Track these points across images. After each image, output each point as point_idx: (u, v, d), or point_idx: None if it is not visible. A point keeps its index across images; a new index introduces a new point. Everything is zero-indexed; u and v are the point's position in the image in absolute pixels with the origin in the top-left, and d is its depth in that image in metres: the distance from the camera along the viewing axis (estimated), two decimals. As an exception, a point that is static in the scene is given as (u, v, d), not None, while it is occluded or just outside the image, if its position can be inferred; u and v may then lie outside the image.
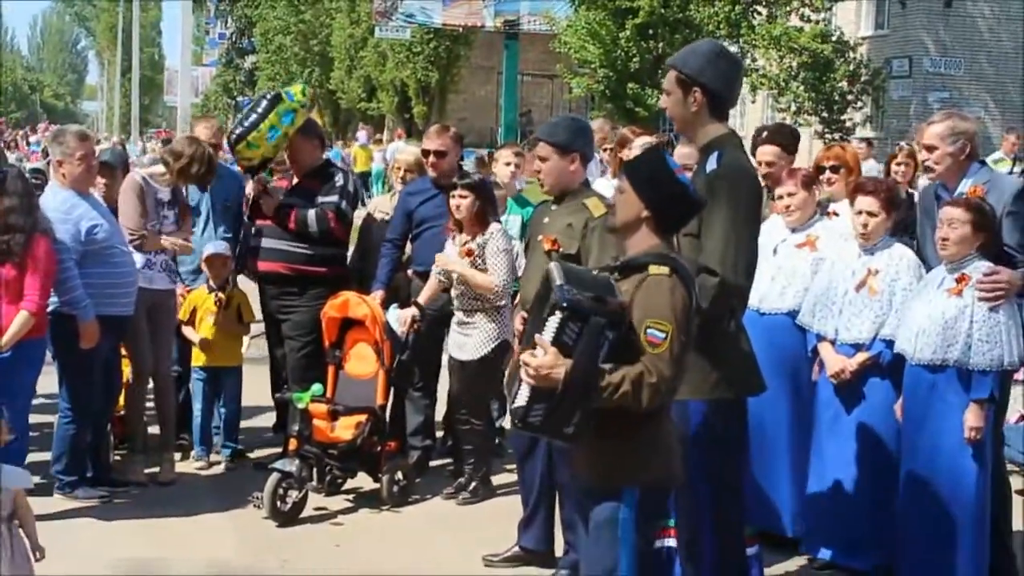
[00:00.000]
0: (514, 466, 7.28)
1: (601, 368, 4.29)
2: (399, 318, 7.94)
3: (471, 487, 7.90)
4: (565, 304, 4.34)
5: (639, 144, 8.30)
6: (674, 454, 4.53)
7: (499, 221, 7.96)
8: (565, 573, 6.41)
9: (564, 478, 6.24)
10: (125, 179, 8.07)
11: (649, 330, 4.30)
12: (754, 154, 7.48)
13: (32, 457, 8.06)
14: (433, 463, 8.54)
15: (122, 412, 8.43)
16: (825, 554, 6.69)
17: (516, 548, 6.81)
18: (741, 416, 5.36)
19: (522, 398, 4.39)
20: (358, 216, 8.92)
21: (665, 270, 4.40)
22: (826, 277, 6.67)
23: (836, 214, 7.09)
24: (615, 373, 4.28)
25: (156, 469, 8.25)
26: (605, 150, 9.98)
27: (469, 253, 7.59)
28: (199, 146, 8.31)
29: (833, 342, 6.58)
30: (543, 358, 4.33)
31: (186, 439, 8.85)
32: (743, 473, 5.69)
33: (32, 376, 7.38)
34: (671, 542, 5.66)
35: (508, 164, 9.07)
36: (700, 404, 5.06)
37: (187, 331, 8.61)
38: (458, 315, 7.77)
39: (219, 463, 8.61)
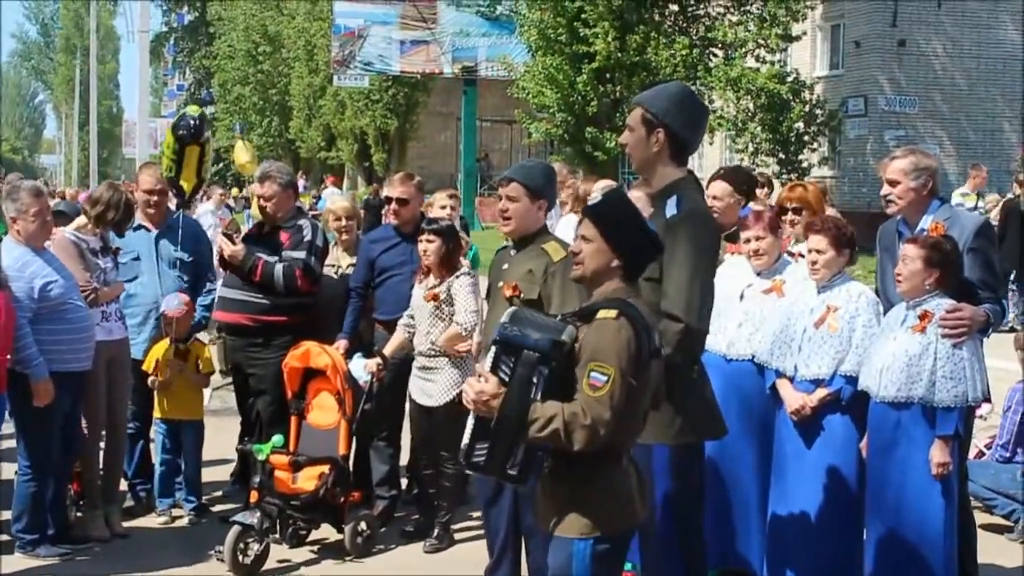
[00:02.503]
0: (480, 512, 7.23)
1: (534, 402, 4.26)
2: (364, 367, 7.90)
3: (436, 534, 7.84)
4: (498, 337, 4.37)
5: (598, 188, 8.31)
6: (631, 500, 4.47)
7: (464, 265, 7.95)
8: (532, 619, 6.36)
9: (528, 523, 6.20)
10: (57, 240, 7.97)
11: (592, 373, 4.26)
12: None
13: (-9, 515, 7.97)
14: (398, 513, 8.46)
15: (79, 468, 8.32)
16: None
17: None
18: (700, 459, 5.36)
19: (466, 436, 4.40)
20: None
21: (612, 313, 4.35)
22: (785, 315, 6.66)
23: (801, 255, 7.07)
24: (546, 406, 4.25)
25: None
26: (564, 194, 9.99)
27: (435, 297, 7.58)
28: (115, 192, 8.34)
29: (792, 379, 6.56)
30: (483, 384, 4.34)
31: (147, 492, 8.75)
32: (703, 513, 5.67)
33: None
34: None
35: (444, 207, 9.05)
36: (664, 449, 5.04)
37: (151, 381, 8.51)
38: (420, 360, 7.74)
39: (182, 517, 8.51)
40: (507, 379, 4.32)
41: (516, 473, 4.40)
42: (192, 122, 9.03)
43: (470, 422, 4.42)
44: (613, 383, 4.24)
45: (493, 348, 4.42)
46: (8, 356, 7.27)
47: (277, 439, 7.72)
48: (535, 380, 4.28)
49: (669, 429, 5.06)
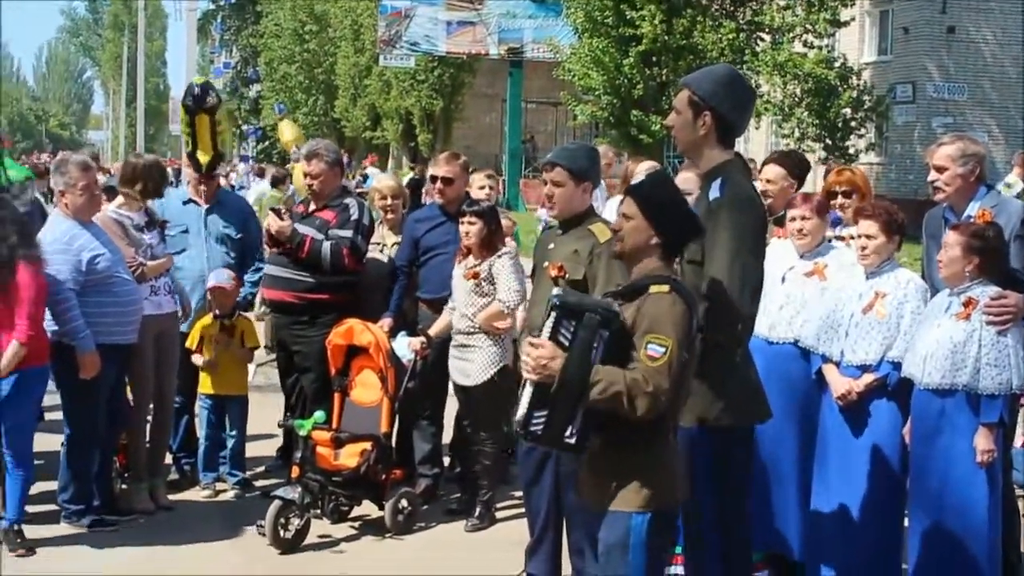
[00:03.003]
0: (521, 492, 7.26)
1: (596, 365, 4.29)
2: (408, 345, 7.96)
3: (478, 513, 7.88)
4: (558, 302, 4.38)
5: (643, 169, 8.30)
6: (680, 477, 4.52)
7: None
8: (572, 600, 6.39)
9: (571, 503, 6.22)
10: (99, 220, 8.04)
11: (649, 345, 4.30)
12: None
13: (40, 485, 8.06)
14: (440, 491, 8.51)
15: (124, 441, 8.40)
16: (828, 576, 6.67)
17: (524, 574, 6.78)
18: (746, 443, 5.34)
19: (523, 405, 4.42)
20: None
21: (665, 288, 4.40)
22: (832, 300, 6.64)
23: (852, 237, 7.02)
24: (609, 370, 4.28)
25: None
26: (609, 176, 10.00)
27: (475, 276, 7.62)
28: (140, 161, 8.47)
29: (838, 364, 6.55)
30: (541, 351, 4.36)
31: (191, 466, 8.84)
32: (749, 499, 5.65)
33: (33, 405, 7.36)
34: (679, 570, 5.65)
35: (482, 188, 9.09)
36: (707, 431, 5.03)
37: (195, 358, 8.60)
38: (458, 338, 7.78)
39: (225, 491, 8.59)
40: (567, 344, 4.35)
41: (574, 441, 4.42)
42: (196, 90, 9.09)
43: (527, 392, 4.44)
44: (671, 354, 4.29)
45: (552, 314, 4.43)
46: (43, 328, 7.33)
47: (319, 415, 7.77)
48: (596, 344, 4.31)
49: (710, 411, 5.05)
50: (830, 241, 7.10)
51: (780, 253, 6.94)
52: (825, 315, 6.63)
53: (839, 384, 6.48)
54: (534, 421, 4.45)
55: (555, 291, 4.54)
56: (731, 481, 5.19)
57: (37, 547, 7.30)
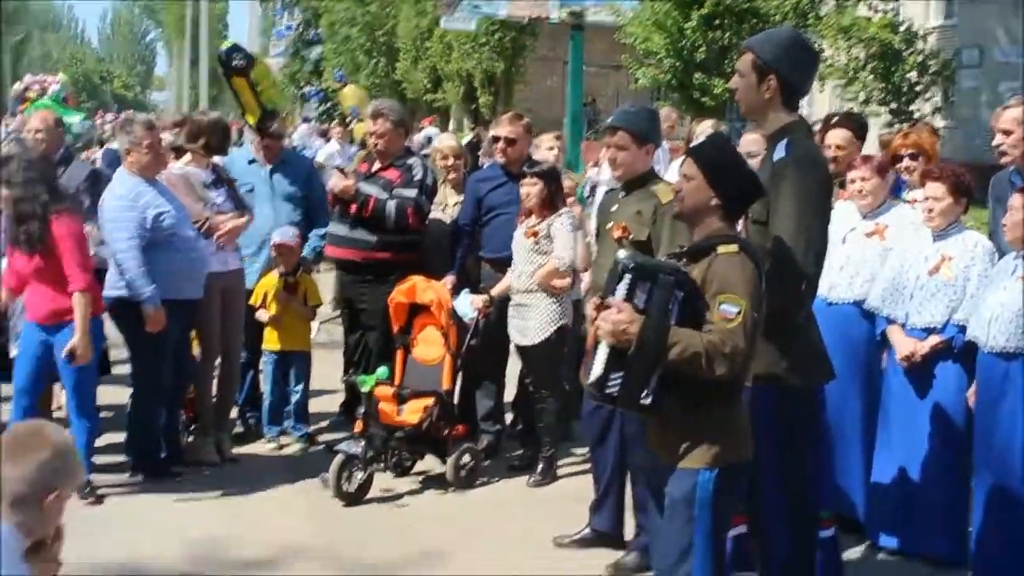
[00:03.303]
0: (584, 449, 7.31)
1: (673, 326, 4.32)
2: (470, 303, 8.03)
3: (540, 469, 7.95)
4: (632, 265, 4.41)
5: (702, 129, 8.32)
6: (749, 433, 4.55)
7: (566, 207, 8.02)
8: (635, 555, 6.43)
9: (636, 461, 6.27)
10: (168, 177, 8.14)
11: (722, 305, 4.32)
12: (823, 140, 7.46)
13: (108, 437, 8.21)
14: (503, 448, 8.58)
15: (191, 395, 8.53)
16: (890, 541, 6.67)
17: (587, 530, 6.84)
18: (811, 404, 5.34)
19: (598, 366, 4.44)
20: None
21: (734, 248, 4.42)
22: (898, 262, 6.63)
23: (917, 200, 7.00)
24: (686, 332, 4.30)
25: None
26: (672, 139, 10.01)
27: (534, 235, 7.68)
28: (203, 118, 8.62)
29: (903, 327, 6.54)
30: (620, 315, 4.37)
31: (256, 421, 8.97)
32: (816, 460, 5.66)
33: (94, 357, 7.48)
34: (742, 529, 5.67)
35: (550, 149, 9.09)
36: (770, 391, 5.04)
37: (259, 314, 8.70)
38: (516, 297, 7.84)
39: (289, 445, 8.71)
40: (642, 305, 4.38)
41: (649, 403, 4.45)
42: (222, 56, 9.19)
43: (602, 353, 4.46)
44: (745, 314, 4.31)
45: (627, 276, 4.45)
46: (94, 278, 7.45)
47: (382, 371, 7.86)
48: (671, 306, 4.34)
49: (773, 371, 5.05)
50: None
51: (842, 214, 6.93)
52: (890, 277, 6.61)
53: (904, 346, 6.48)
54: (610, 383, 4.47)
55: (622, 253, 4.55)
56: (794, 441, 5.19)
57: (105, 497, 7.44)
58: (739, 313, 4.30)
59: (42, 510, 3.27)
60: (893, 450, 6.63)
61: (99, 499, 7.43)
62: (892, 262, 6.66)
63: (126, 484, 7.78)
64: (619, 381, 4.42)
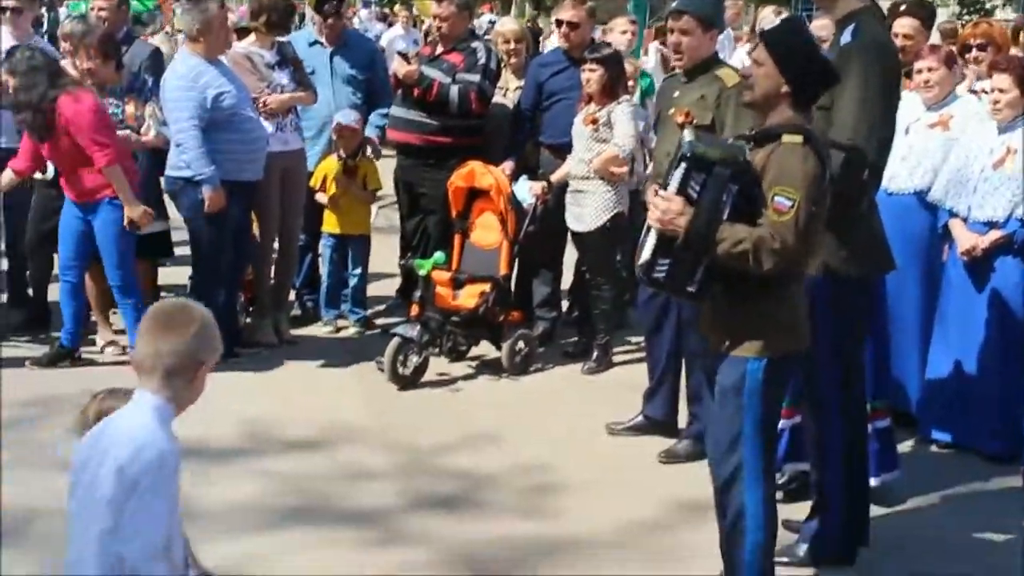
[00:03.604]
0: (639, 337, 7.29)
1: (723, 221, 4.26)
2: (529, 189, 7.98)
3: (595, 356, 7.95)
4: (689, 154, 4.34)
5: (764, 15, 8.16)
6: (803, 324, 4.49)
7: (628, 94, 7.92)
8: (688, 443, 6.44)
9: (691, 347, 6.25)
10: (231, 57, 8.12)
11: (777, 197, 4.24)
12: (890, 27, 7.29)
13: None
14: (559, 336, 8.59)
15: (250, 276, 8.58)
16: (944, 435, 6.63)
17: (640, 417, 6.85)
18: (868, 294, 5.29)
19: (647, 251, 4.41)
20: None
21: (798, 139, 4.32)
22: (962, 154, 6.50)
23: (985, 92, 6.84)
24: (736, 228, 4.24)
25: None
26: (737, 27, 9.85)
27: (594, 122, 7.60)
28: None
29: (965, 220, 6.43)
30: (669, 204, 4.33)
31: (314, 303, 9.02)
32: (872, 351, 5.62)
33: (130, 236, 7.57)
34: (797, 420, 5.66)
35: (624, 32, 8.93)
36: (827, 281, 4.98)
37: (318, 196, 8.70)
38: (573, 184, 7.79)
39: (347, 328, 8.76)
40: (695, 196, 4.32)
41: (695, 291, 4.42)
42: None
43: (651, 238, 4.42)
44: (799, 208, 4.22)
45: (682, 165, 4.39)
46: (122, 150, 7.54)
47: (439, 256, 7.86)
48: (724, 198, 4.28)
49: (833, 260, 4.99)
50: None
51: (906, 105, 6.78)
52: (954, 169, 6.50)
53: (965, 239, 6.38)
54: (657, 268, 4.44)
55: (687, 135, 4.47)
56: (851, 332, 5.15)
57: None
58: (793, 207, 4.22)
59: (192, 383, 3.42)
60: (950, 343, 6.56)
61: None
62: (956, 154, 6.53)
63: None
64: (666, 268, 4.39)
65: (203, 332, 3.43)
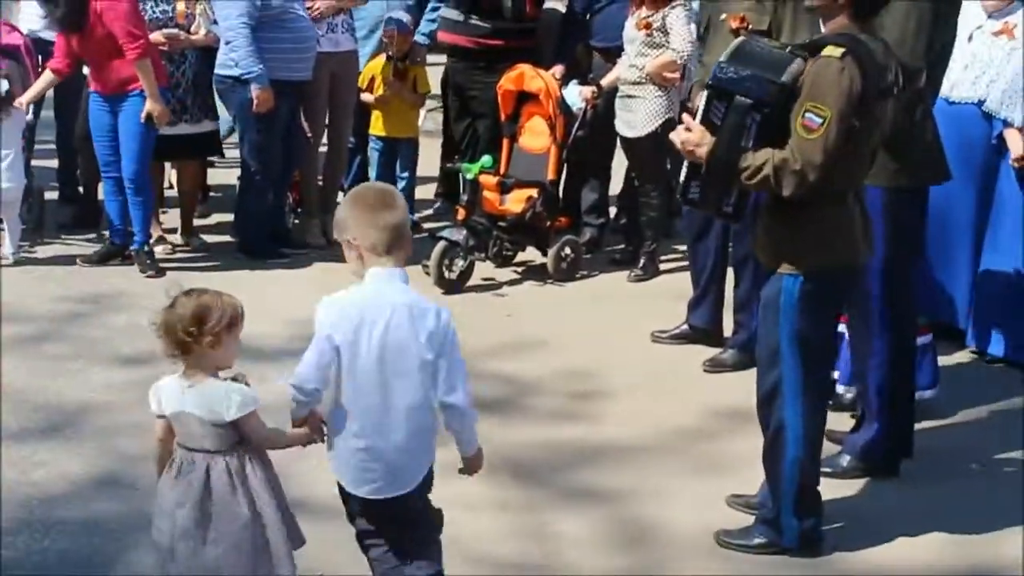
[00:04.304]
0: (685, 247, 7.27)
1: (744, 149, 4.21)
2: (578, 94, 7.92)
3: (642, 264, 7.94)
4: (711, 82, 4.31)
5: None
6: (849, 241, 4.41)
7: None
8: (733, 352, 6.44)
9: (740, 255, 6.23)
10: None
11: (807, 114, 4.14)
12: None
13: (216, 218, 8.33)
14: (606, 243, 8.59)
15: (298, 177, 8.59)
16: (992, 348, 6.60)
17: (685, 326, 6.85)
18: (921, 205, 5.23)
19: (682, 174, 4.41)
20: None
21: (837, 52, 4.19)
22: (1018, 63, 6.38)
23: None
24: (758, 154, 4.19)
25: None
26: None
27: (647, 26, 7.50)
28: None
29: (1021, 130, 6.34)
30: (689, 135, 4.31)
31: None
32: (918, 263, 5.57)
33: (152, 132, 7.60)
34: (841, 328, 5.62)
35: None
36: (878, 191, 4.92)
37: (364, 96, 8.67)
38: (624, 89, 7.72)
39: (394, 230, 8.76)
40: (717, 122, 4.28)
41: (731, 211, 4.40)
42: None
43: (687, 161, 4.42)
44: (828, 126, 4.12)
45: (705, 93, 4.36)
46: (152, 45, 7.57)
47: (486, 160, 7.83)
48: (747, 125, 4.22)
49: (884, 172, 4.92)
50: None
51: (969, 12, 6.66)
52: (1009, 78, 6.39)
53: (1017, 147, 6.29)
54: (691, 190, 4.44)
55: (725, 54, 4.40)
56: (902, 244, 5.09)
57: (213, 274, 7.56)
58: (823, 124, 4.11)
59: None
60: (1000, 255, 6.49)
61: (160, 272, 7.57)
62: (1014, 61, 6.41)
63: (232, 262, 7.91)
64: (698, 191, 4.38)
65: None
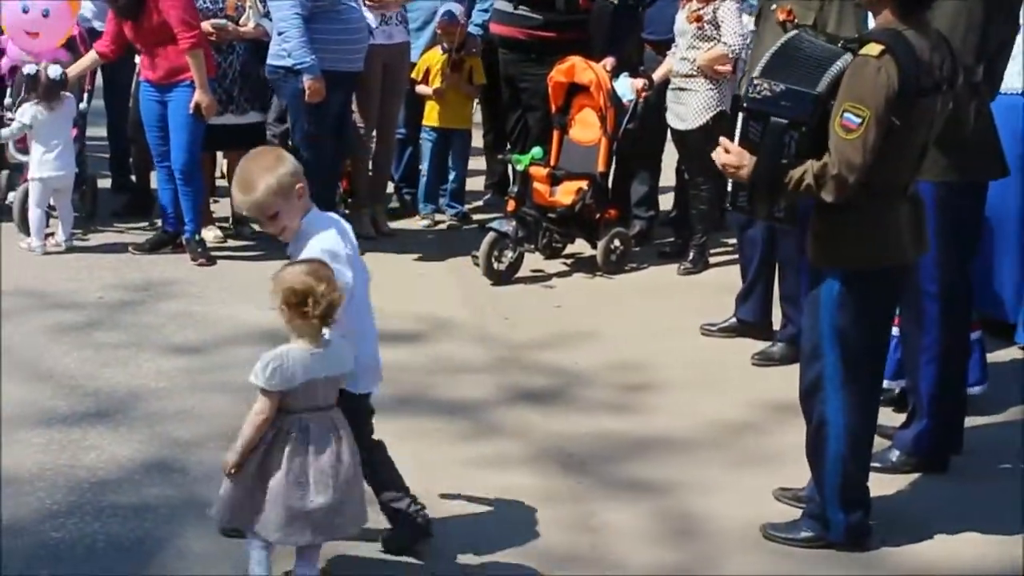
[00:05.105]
0: (735, 240, 7.25)
1: (785, 167, 4.19)
2: (630, 86, 7.91)
3: (691, 257, 7.92)
4: (745, 105, 4.32)
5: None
6: (894, 238, 4.37)
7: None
8: (782, 345, 6.41)
9: (786, 252, 6.20)
10: None
11: (846, 113, 4.10)
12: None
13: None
14: (655, 236, 8.57)
15: (349, 167, 8.62)
16: (1044, 344, 6.54)
17: (733, 319, 6.82)
18: (977, 200, 5.17)
19: (730, 182, 4.43)
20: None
21: (876, 50, 4.14)
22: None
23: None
24: (798, 168, 4.17)
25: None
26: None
27: (698, 19, 7.49)
28: None
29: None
30: (728, 157, 4.32)
31: (411, 196, 9.05)
32: (973, 259, 5.52)
33: (198, 121, 7.66)
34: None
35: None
36: (929, 186, 4.87)
37: (420, 88, 8.70)
38: (676, 82, 7.71)
39: (443, 222, 8.80)
40: (756, 140, 4.27)
41: (783, 215, 4.39)
42: None
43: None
44: (867, 127, 4.08)
45: (740, 115, 4.36)
46: (205, 36, 7.63)
47: (536, 151, 7.84)
48: (786, 143, 4.21)
49: (934, 166, 4.87)
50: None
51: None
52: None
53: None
54: (740, 198, 4.43)
55: (753, 72, 4.39)
56: (955, 239, 5.05)
57: (260, 262, 7.58)
58: (861, 124, 4.08)
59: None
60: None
61: (210, 260, 7.65)
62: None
63: (281, 252, 7.92)
64: (746, 199, 4.38)
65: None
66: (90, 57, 7.88)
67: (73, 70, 7.88)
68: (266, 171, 4.08)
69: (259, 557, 3.91)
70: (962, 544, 4.60)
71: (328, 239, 4.13)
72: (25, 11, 8.03)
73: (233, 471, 3.83)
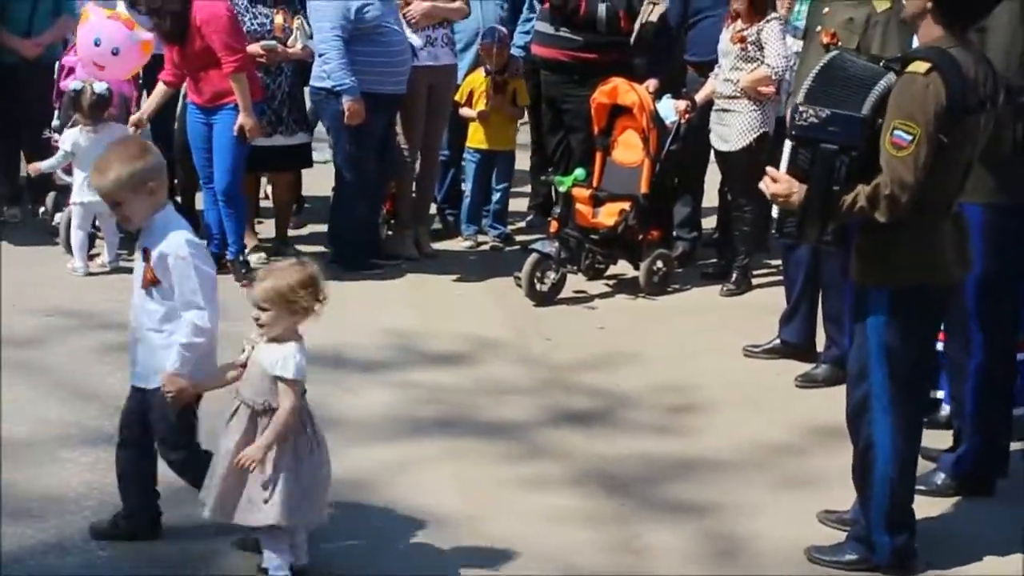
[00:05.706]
0: (779, 261, 7.22)
1: (838, 193, 4.18)
2: (672, 107, 7.91)
3: (734, 278, 7.90)
4: (794, 132, 4.31)
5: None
6: (939, 257, 4.35)
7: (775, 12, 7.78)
8: (826, 367, 6.38)
9: (829, 273, 6.18)
10: None
11: (896, 131, 4.10)
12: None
13: (310, 228, 8.42)
14: (697, 255, 8.56)
15: (392, 189, 8.65)
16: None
17: (777, 341, 6.80)
18: (1020, 222, 5.13)
19: (775, 210, 4.41)
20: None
21: (923, 67, 4.13)
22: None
23: None
24: (850, 193, 4.16)
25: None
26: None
27: (741, 40, 7.50)
28: None
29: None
30: (777, 186, 4.31)
31: (454, 218, 9.07)
32: (1018, 280, 5.47)
33: (240, 145, 7.68)
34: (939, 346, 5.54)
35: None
36: (977, 208, 4.85)
37: (464, 111, 8.73)
38: (719, 103, 7.71)
39: (486, 243, 8.81)
40: (805, 167, 4.26)
41: (831, 239, 4.38)
42: None
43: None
44: (918, 144, 4.07)
45: (788, 144, 4.36)
46: (249, 59, 7.65)
47: (579, 173, 7.84)
48: (837, 168, 4.20)
49: (982, 187, 4.85)
50: None
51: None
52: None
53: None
54: (787, 225, 4.42)
55: (797, 98, 4.38)
56: (1001, 261, 5.01)
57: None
58: (912, 141, 4.07)
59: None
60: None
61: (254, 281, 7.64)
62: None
63: (325, 273, 7.94)
64: (794, 226, 4.36)
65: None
66: (159, 91, 7.85)
67: (147, 108, 7.87)
68: (123, 161, 4.15)
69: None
70: (1010, 567, 4.57)
71: (187, 233, 4.33)
72: (96, 44, 8.03)
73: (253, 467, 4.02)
